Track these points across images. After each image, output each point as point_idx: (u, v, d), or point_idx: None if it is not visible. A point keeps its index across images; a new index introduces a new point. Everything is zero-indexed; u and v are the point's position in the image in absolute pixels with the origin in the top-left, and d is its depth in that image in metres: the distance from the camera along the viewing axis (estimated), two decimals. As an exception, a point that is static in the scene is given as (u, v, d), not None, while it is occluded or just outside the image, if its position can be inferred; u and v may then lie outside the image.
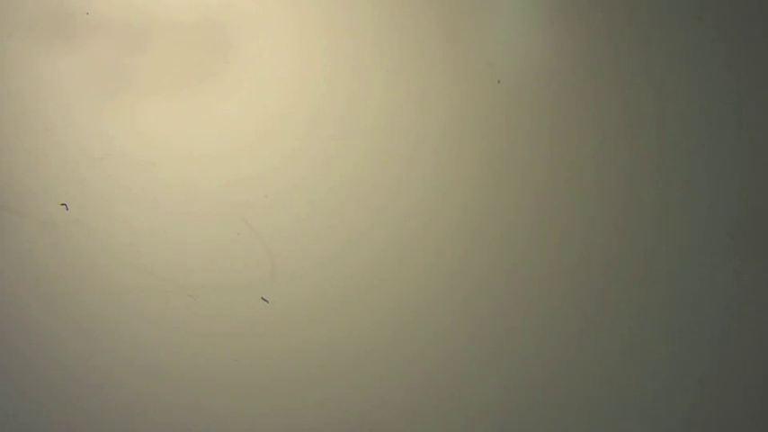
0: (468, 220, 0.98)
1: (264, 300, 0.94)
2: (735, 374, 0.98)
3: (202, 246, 0.95)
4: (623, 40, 0.97)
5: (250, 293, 0.98)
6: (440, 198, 0.98)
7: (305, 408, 0.99)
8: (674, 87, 0.98)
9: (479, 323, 0.98)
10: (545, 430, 0.98)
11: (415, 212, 0.98)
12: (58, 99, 0.96)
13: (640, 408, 0.98)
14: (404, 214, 0.99)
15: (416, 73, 0.97)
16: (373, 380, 0.98)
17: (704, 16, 0.98)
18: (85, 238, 0.95)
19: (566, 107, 0.97)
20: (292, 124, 0.96)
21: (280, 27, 0.97)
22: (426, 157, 0.98)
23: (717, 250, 0.97)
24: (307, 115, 0.93)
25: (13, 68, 0.96)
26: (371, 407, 0.98)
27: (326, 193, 0.97)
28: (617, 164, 0.98)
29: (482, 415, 0.99)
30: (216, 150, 0.96)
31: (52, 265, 0.95)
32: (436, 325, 0.98)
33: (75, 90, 0.96)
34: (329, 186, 0.97)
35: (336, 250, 0.97)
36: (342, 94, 0.97)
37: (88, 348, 0.94)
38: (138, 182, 0.96)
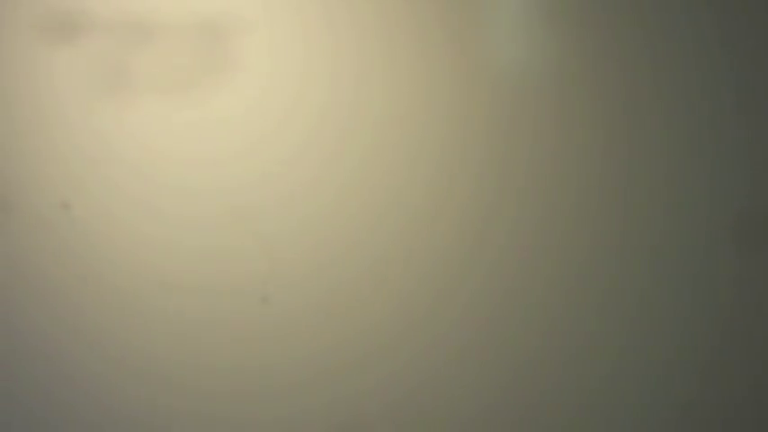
0: (472, 219, 0.97)
1: (264, 300, 0.94)
2: (737, 370, 0.97)
3: (202, 247, 0.95)
4: (630, 37, 0.97)
5: (249, 295, 0.98)
6: (442, 198, 0.97)
7: (304, 410, 0.99)
8: (677, 86, 0.98)
9: (482, 323, 0.98)
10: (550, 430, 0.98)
11: (418, 214, 0.98)
12: (57, 100, 0.96)
13: (644, 403, 0.98)
14: (406, 216, 0.98)
15: (419, 75, 0.97)
16: (374, 382, 0.98)
17: (707, 15, 0.97)
18: (83, 238, 0.95)
19: (570, 106, 0.97)
20: (293, 126, 0.96)
21: (281, 29, 0.97)
22: (428, 158, 0.98)
23: (718, 246, 0.97)
24: (308, 118, 0.93)
25: (13, 69, 0.95)
26: (370, 409, 0.97)
27: (328, 196, 0.97)
28: (619, 162, 0.98)
29: (482, 417, 0.98)
30: (216, 152, 0.95)
31: (49, 265, 0.95)
32: (440, 325, 0.98)
33: (76, 91, 0.96)
34: (330, 189, 0.97)
35: (337, 253, 0.97)
36: (343, 96, 0.97)
37: (85, 349, 0.94)
38: (137, 183, 0.96)
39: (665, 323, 0.99)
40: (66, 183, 0.96)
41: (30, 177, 0.96)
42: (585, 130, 0.98)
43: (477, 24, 0.97)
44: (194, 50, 0.95)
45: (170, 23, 0.95)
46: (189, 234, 0.94)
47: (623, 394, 0.99)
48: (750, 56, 0.98)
